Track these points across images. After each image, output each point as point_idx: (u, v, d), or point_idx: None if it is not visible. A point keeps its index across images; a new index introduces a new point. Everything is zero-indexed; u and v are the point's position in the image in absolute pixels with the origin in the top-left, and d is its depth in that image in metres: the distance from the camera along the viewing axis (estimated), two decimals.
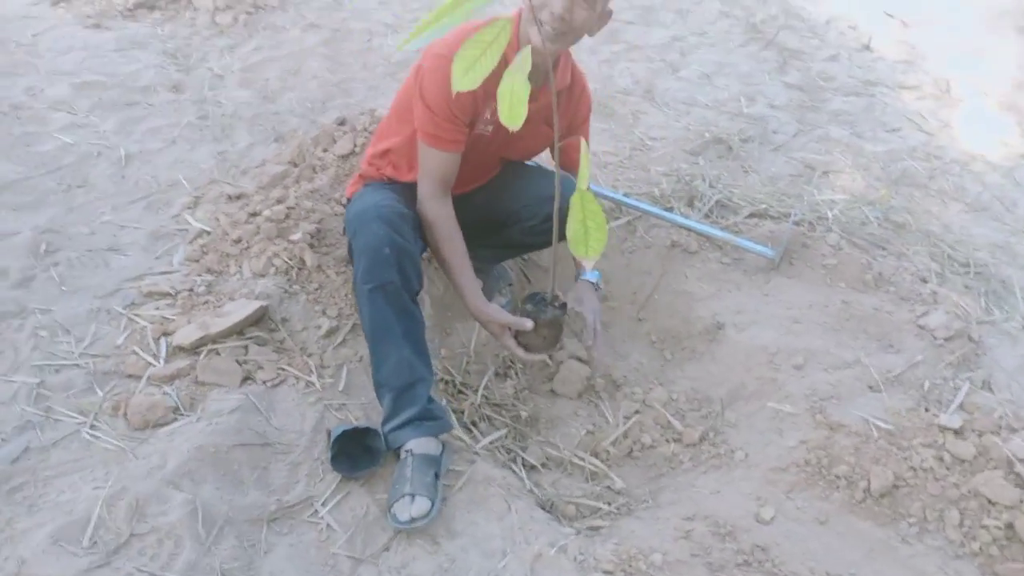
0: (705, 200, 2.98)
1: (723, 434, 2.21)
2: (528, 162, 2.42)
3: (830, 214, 2.96)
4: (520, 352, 2.01)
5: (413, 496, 1.72)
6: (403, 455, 1.83)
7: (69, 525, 1.55)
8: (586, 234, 1.54)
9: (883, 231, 2.94)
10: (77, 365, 1.99)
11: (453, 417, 2.09)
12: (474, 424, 2.17)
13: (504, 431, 2.19)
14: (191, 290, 2.29)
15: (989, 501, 1.82)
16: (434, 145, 1.99)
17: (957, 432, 1.97)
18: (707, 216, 2.92)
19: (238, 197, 2.76)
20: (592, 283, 2.23)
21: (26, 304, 2.16)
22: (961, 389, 2.15)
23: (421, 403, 1.87)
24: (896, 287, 2.60)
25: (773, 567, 1.72)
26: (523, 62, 1.27)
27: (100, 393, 1.91)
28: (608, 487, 2.09)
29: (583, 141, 1.55)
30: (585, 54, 4.16)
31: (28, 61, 3.48)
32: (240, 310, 2.15)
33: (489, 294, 2.60)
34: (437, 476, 1.81)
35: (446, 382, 2.26)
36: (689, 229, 2.78)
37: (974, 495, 1.83)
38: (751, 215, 2.95)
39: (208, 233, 2.56)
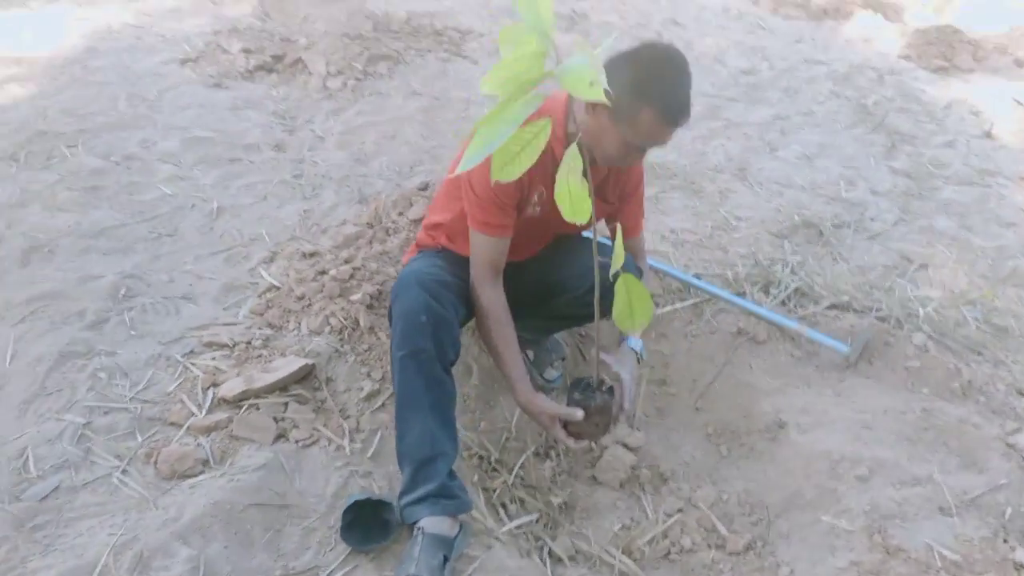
0: (783, 287, 2.83)
1: (771, 545, 2.05)
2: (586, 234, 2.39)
3: (922, 311, 2.75)
4: (571, 442, 1.97)
5: None
6: (415, 532, 1.78)
7: (75, 569, 1.58)
8: (631, 312, 1.56)
9: (981, 334, 2.70)
10: (126, 409, 2.07)
11: (479, 496, 2.03)
12: (503, 505, 2.10)
13: (535, 516, 2.10)
14: (248, 343, 2.36)
15: None
16: (483, 231, 2.00)
17: None
18: (782, 304, 2.77)
19: (312, 255, 2.84)
20: (635, 352, 2.16)
21: (94, 345, 2.27)
22: None
23: (440, 479, 1.82)
24: (987, 398, 2.38)
25: None
26: (574, 162, 1.27)
27: (139, 439, 1.98)
28: None
29: (619, 225, 1.54)
30: (680, 130, 4.09)
31: (148, 115, 3.76)
32: (286, 367, 2.19)
33: (541, 367, 2.55)
34: (447, 559, 1.75)
35: (480, 457, 2.21)
36: (759, 317, 2.64)
37: None
38: (832, 306, 2.77)
39: (277, 288, 2.65)
